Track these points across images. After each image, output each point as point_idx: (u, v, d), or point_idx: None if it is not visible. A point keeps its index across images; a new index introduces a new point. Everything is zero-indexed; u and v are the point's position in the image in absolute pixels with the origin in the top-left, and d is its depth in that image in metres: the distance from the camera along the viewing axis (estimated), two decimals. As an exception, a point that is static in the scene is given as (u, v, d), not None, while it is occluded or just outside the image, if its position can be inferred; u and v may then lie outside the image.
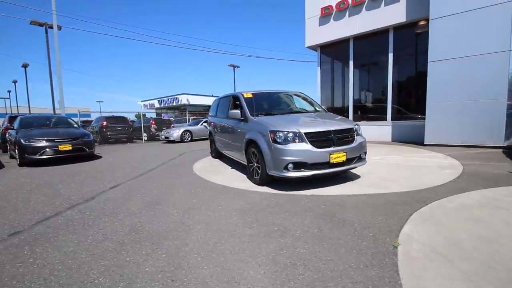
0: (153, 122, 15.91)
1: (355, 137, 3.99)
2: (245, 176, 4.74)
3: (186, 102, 37.10)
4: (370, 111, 9.41)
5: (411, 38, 8.30)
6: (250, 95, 5.03)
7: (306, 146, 3.57)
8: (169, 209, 3.17)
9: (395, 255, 1.99)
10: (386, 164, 5.24)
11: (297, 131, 3.64)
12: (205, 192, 3.88)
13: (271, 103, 5.15)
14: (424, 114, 8.01)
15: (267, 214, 2.88)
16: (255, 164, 4.18)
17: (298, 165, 3.57)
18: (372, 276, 1.74)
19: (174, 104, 38.33)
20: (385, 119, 8.81)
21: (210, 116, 7.42)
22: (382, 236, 2.28)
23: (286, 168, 3.57)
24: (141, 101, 46.23)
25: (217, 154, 6.90)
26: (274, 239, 2.29)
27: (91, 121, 17.65)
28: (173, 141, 13.35)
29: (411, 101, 8.52)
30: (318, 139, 3.67)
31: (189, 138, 13.60)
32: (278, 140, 3.64)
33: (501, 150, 6.08)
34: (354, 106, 9.63)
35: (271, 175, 3.80)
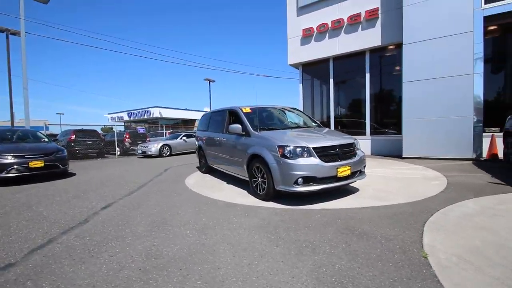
0: (127, 136, 15.06)
1: (356, 151, 4.16)
2: (245, 191, 4.66)
3: (159, 115, 35.94)
4: (350, 126, 9.92)
5: (386, 59, 9.06)
6: (249, 110, 5.04)
7: (315, 160, 3.63)
8: (180, 229, 2.97)
9: (429, 265, 2.06)
10: (377, 176, 5.51)
11: (305, 145, 3.70)
12: (211, 209, 3.71)
13: (270, 118, 5.20)
14: (400, 129, 8.69)
15: (287, 231, 2.83)
16: (260, 179, 4.13)
17: (307, 180, 3.60)
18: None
19: (146, 117, 36.86)
20: (364, 134, 9.34)
21: (199, 130, 7.25)
22: (408, 247, 2.36)
23: (296, 182, 3.58)
24: (109, 114, 43.80)
25: (207, 169, 6.70)
26: (308, 257, 2.25)
27: (53, 134, 16.19)
28: (150, 156, 12.72)
29: (388, 117, 9.17)
30: (325, 153, 3.76)
31: (168, 153, 13.07)
32: (287, 155, 3.66)
33: (470, 161, 6.75)
34: (335, 121, 10.10)
35: (279, 190, 3.78)
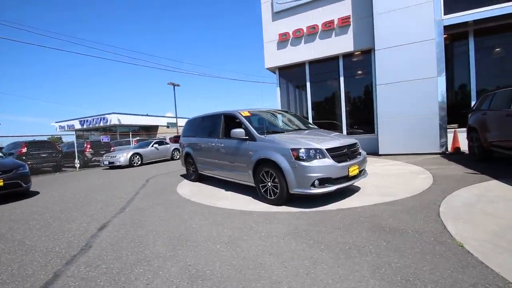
0: (88, 146, 13.62)
1: (360, 150, 4.33)
2: (250, 197, 4.52)
3: (117, 122, 33.34)
4: (327, 127, 10.30)
5: (359, 63, 9.68)
6: (248, 114, 4.92)
7: (329, 161, 3.67)
8: (207, 244, 2.74)
9: (469, 253, 2.19)
10: (369, 173, 5.80)
11: (319, 147, 3.72)
12: (226, 219, 3.51)
13: (270, 121, 5.14)
14: (373, 128, 9.33)
15: (320, 234, 2.80)
16: (270, 184, 4.04)
17: (323, 181, 3.63)
18: (477, 274, 1.87)
19: (102, 124, 33.89)
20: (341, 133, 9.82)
21: (185, 137, 6.87)
22: (441, 238, 2.49)
23: (313, 184, 3.58)
24: (56, 122, 39.37)
25: (197, 177, 6.37)
26: (359, 259, 2.24)
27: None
28: (119, 167, 11.69)
29: (362, 117, 9.78)
30: (337, 154, 3.83)
31: (139, 162, 12.16)
32: (302, 157, 3.64)
33: (439, 155, 7.53)
34: (313, 123, 10.43)
35: (293, 193, 3.75)
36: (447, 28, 7.55)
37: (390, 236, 2.64)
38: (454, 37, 7.97)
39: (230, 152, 4.90)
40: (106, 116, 33.52)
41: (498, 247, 2.25)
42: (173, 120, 44.92)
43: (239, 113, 4.90)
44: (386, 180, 5.08)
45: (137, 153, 12.23)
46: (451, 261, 2.09)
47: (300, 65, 10.43)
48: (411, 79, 7.87)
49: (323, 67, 10.19)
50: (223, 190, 5.25)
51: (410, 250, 2.32)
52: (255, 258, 2.37)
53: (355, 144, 4.24)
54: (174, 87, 29.50)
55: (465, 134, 7.28)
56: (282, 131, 4.67)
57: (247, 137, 4.46)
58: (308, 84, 10.38)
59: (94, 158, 13.45)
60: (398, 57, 8.00)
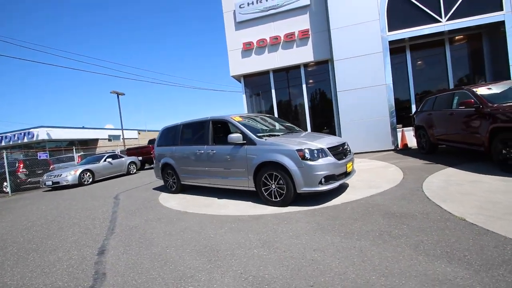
0: (21, 165, 11.44)
1: (349, 149, 4.74)
2: (250, 202, 4.49)
3: (46, 137, 28.77)
4: (293, 132, 10.90)
5: (319, 71, 10.54)
6: (240, 119, 4.92)
7: (332, 159, 3.94)
8: (243, 250, 2.65)
9: (473, 224, 2.63)
10: (346, 171, 6.34)
11: (321, 147, 3.96)
12: (243, 226, 3.43)
13: (262, 125, 5.21)
14: (334, 130, 10.21)
15: (345, 226, 2.98)
16: (274, 186, 4.11)
17: (328, 178, 3.86)
18: (491, 239, 2.28)
19: (26, 140, 28.80)
20: (307, 138, 10.47)
21: (161, 146, 6.42)
22: (446, 216, 2.93)
23: (320, 182, 3.78)
24: (-41, 141, 31.76)
25: (180, 188, 6.00)
26: (395, 241, 2.47)
27: None
28: (65, 187, 10.12)
29: (325, 121, 10.61)
30: (335, 152, 4.13)
31: (90, 180, 10.74)
32: (308, 157, 3.82)
33: (392, 151, 8.67)
34: (279, 128, 10.88)
35: (301, 192, 3.89)
36: (391, 42, 8.86)
37: (404, 219, 2.98)
38: (396, 50, 9.38)
39: (224, 158, 4.79)
40: (32, 130, 28.66)
41: (490, 217, 2.76)
42: (116, 133, 40.99)
43: (232, 118, 4.87)
44: (364, 175, 5.63)
45: (88, 170, 10.79)
46: (466, 232, 2.49)
47: (265, 73, 10.83)
48: (365, 86, 8.95)
49: (287, 75, 10.79)
50: (216, 199, 5.08)
51: (430, 228, 2.67)
52: (303, 255, 2.41)
53: (345, 143, 4.63)
54: (118, 96, 26.99)
55: (410, 133, 8.59)
56: (277, 134, 4.80)
57: (245, 142, 4.46)
58: (273, 91, 10.82)
59: (29, 179, 11.34)
60: (353, 67, 9.01)
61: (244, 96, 11.16)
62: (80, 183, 10.24)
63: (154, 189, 7.21)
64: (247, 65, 10.64)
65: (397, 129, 9.06)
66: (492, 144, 4.69)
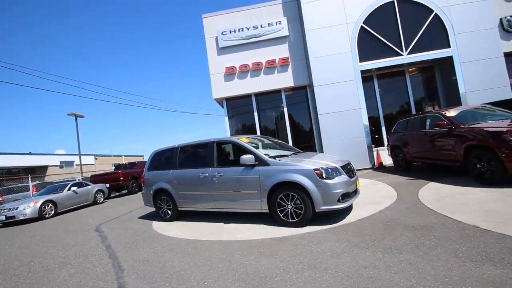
0: (-41, 200, 9.56)
1: (353, 168, 5.01)
2: (263, 224, 4.40)
3: (-18, 166, 24.72)
4: (275, 153, 11.13)
5: (299, 95, 11.16)
6: (247, 140, 4.93)
7: (345, 177, 4.13)
8: (293, 274, 2.56)
9: (489, 230, 2.95)
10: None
11: (335, 165, 4.15)
12: (271, 249, 3.33)
13: (269, 147, 5.25)
14: (315, 150, 10.69)
15: (378, 242, 3.09)
16: (290, 207, 4.11)
17: (344, 196, 4.01)
18: (511, 243, 2.59)
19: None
20: (289, 158, 10.77)
21: (154, 170, 6.03)
22: (461, 225, 3.23)
23: (338, 200, 3.90)
24: None
25: (177, 215, 5.62)
26: (435, 251, 2.64)
27: None
28: (21, 222, 8.69)
29: (305, 141, 11.07)
30: (346, 170, 4.34)
31: (52, 212, 9.42)
32: (326, 176, 3.95)
33: (370, 169, 9.32)
34: (262, 150, 11.04)
35: (319, 211, 3.95)
36: (362, 71, 9.89)
37: (427, 231, 3.20)
38: (366, 78, 10.46)
39: (234, 180, 4.69)
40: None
41: (498, 223, 3.12)
42: (69, 158, 37.04)
43: (239, 139, 4.86)
44: (362, 192, 5.94)
45: (50, 201, 9.48)
46: (488, 237, 2.78)
47: (247, 96, 11.11)
48: (344, 110, 9.70)
49: (269, 99, 11.21)
50: (223, 224, 4.86)
51: (455, 237, 2.92)
52: (357, 274, 2.42)
53: (349, 162, 4.90)
54: (76, 118, 24.81)
55: (383, 152, 9.41)
56: (286, 155, 4.88)
57: (257, 163, 4.45)
58: (255, 113, 11.09)
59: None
60: (332, 93, 9.76)
61: (226, 118, 11.20)
62: (40, 216, 8.90)
63: (140, 218, 6.62)
64: (230, 89, 10.83)
65: (372, 149, 9.85)
66: (467, 160, 5.40)
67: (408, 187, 5.73)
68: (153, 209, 6.15)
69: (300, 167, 4.11)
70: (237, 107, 11.56)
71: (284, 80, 10.67)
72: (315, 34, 9.94)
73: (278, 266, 2.79)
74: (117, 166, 16.27)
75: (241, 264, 2.99)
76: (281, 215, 4.20)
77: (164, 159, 5.99)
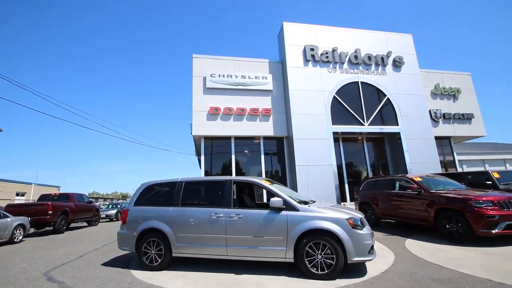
0: None
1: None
2: (284, 276, 4.11)
3: None
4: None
5: (276, 145, 11.68)
6: (269, 183, 4.83)
7: (369, 229, 4.33)
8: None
9: (502, 283, 3.44)
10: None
11: (360, 216, 4.35)
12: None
13: (283, 192, 5.17)
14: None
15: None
16: (320, 257, 4.01)
17: (371, 247, 4.15)
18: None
19: None
20: (261, 206, 10.67)
21: (150, 206, 5.17)
22: (477, 277, 3.66)
23: (369, 252, 4.02)
24: None
25: (169, 262, 4.75)
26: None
27: None
28: None
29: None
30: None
31: None
32: (357, 226, 4.09)
33: (340, 223, 9.87)
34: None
35: (350, 263, 3.95)
36: (334, 133, 11.22)
37: (453, 284, 3.51)
38: (335, 139, 11.84)
39: (256, 224, 4.39)
40: None
41: (506, 275, 3.66)
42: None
43: (262, 180, 4.74)
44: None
45: None
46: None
47: (226, 138, 11.11)
48: (318, 164, 10.53)
49: (247, 143, 11.42)
50: (233, 274, 4.32)
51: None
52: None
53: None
54: (-13, 131, 19.91)
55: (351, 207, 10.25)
56: (307, 201, 4.86)
57: (284, 207, 4.34)
58: (233, 155, 11.01)
59: None
60: (309, 147, 10.64)
61: (203, 157, 10.77)
62: None
63: (104, 265, 5.33)
64: (212, 128, 10.72)
65: (341, 203, 10.63)
66: (436, 220, 6.34)
67: (391, 242, 6.26)
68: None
69: (331, 215, 4.18)
70: (214, 146, 11.33)
71: (264, 128, 11.20)
72: (297, 94, 11.14)
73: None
74: (43, 196, 13.18)
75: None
76: (309, 266, 4.02)
77: (161, 193, 5.28)
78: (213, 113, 10.86)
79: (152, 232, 4.92)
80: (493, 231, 5.37)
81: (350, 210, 4.62)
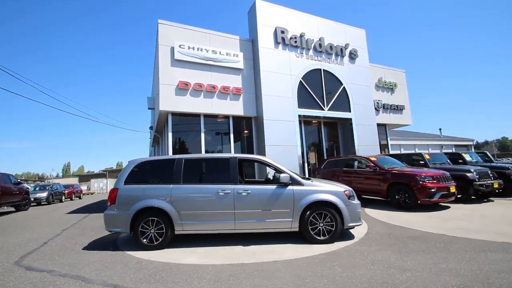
0: None
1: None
2: (289, 244, 4.55)
3: None
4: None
5: (246, 125, 11.80)
6: (271, 160, 5.09)
7: (357, 200, 5.08)
8: None
9: (456, 236, 4.62)
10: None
11: (351, 188, 5.05)
12: (336, 264, 3.66)
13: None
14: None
15: (406, 248, 4.10)
16: (322, 225, 4.57)
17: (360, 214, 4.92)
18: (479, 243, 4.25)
19: None
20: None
21: (147, 184, 4.83)
22: (437, 235, 4.79)
23: (359, 218, 4.76)
24: None
25: (168, 241, 4.65)
26: (452, 251, 3.90)
27: None
28: None
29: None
30: (352, 195, 5.32)
31: None
32: (352, 196, 4.77)
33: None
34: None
35: (347, 228, 4.64)
36: (299, 116, 11.97)
37: (424, 240, 4.53)
38: (300, 122, 12.64)
39: (264, 199, 4.65)
40: None
41: (451, 231, 4.88)
42: None
43: (266, 159, 4.96)
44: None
45: None
46: (458, 239, 4.37)
47: (196, 116, 10.69)
48: (286, 145, 11.18)
49: (216, 121, 11.24)
50: (241, 246, 4.55)
51: (450, 242, 4.36)
52: (438, 278, 3.26)
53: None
54: None
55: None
56: (308, 178, 5.31)
57: (290, 182, 4.71)
58: (202, 134, 10.72)
59: None
60: (278, 128, 11.14)
61: (170, 134, 10.16)
62: None
63: (85, 249, 4.89)
64: (181, 104, 10.11)
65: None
66: (389, 192, 7.73)
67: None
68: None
69: (331, 188, 4.76)
70: (182, 123, 10.78)
71: (235, 108, 11.15)
72: (268, 75, 11.33)
73: (375, 274, 3.21)
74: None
75: (345, 277, 3.17)
76: (312, 233, 4.55)
77: (156, 171, 4.99)
78: (183, 88, 10.19)
79: (150, 211, 4.68)
80: (432, 200, 6.91)
81: (339, 184, 5.29)
